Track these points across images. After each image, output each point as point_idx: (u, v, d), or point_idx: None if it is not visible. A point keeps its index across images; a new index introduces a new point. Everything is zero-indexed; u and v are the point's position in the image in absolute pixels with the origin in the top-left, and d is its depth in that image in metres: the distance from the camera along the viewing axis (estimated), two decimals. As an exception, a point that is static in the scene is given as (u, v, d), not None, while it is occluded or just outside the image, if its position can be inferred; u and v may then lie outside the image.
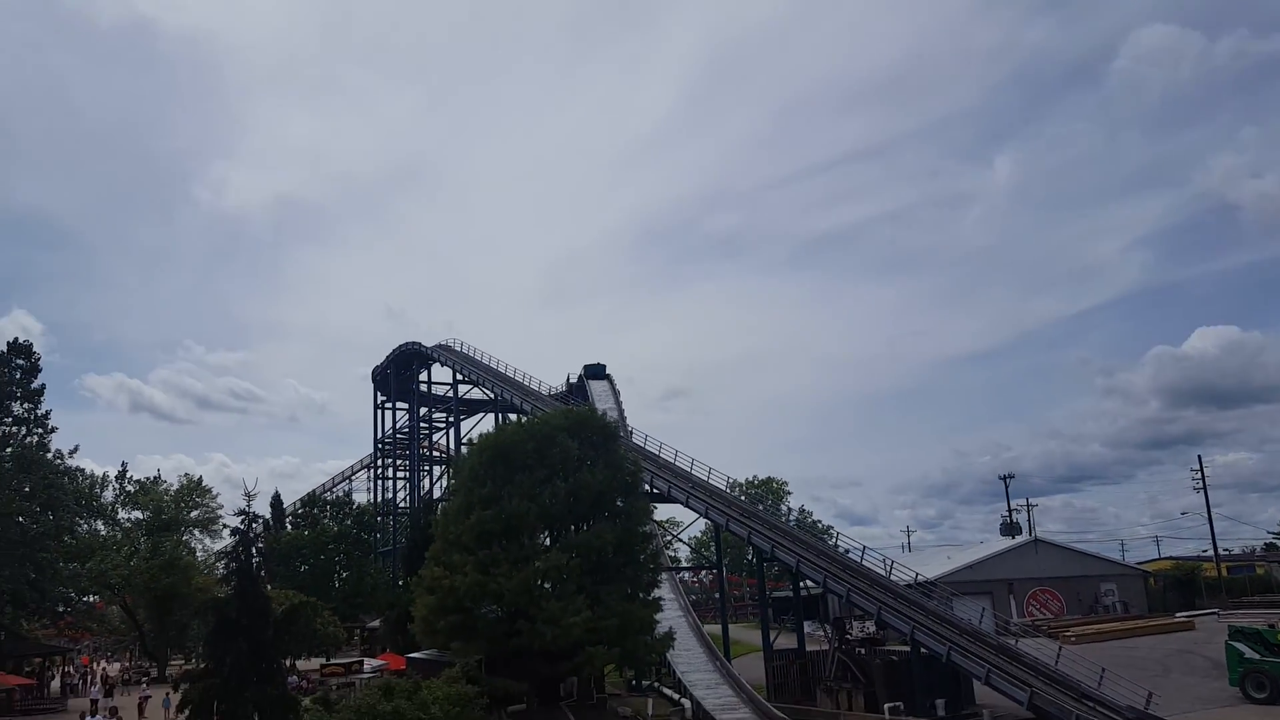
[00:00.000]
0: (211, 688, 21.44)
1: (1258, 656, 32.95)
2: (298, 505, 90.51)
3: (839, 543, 41.50)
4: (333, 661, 35.02)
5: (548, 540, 34.09)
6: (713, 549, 54.54)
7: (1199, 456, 70.93)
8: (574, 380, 69.72)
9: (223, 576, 23.37)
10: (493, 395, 66.15)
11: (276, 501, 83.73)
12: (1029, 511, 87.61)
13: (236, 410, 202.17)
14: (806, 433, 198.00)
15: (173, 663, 61.02)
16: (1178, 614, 52.65)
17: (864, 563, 39.69)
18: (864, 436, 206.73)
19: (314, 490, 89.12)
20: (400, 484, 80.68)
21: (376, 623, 53.88)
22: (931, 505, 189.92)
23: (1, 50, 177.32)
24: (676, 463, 48.48)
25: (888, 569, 39.38)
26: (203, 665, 22.77)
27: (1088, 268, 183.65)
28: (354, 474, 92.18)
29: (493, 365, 67.42)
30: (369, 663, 35.70)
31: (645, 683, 42.92)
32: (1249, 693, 32.19)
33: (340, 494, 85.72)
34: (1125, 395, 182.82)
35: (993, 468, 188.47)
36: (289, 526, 79.16)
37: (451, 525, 34.59)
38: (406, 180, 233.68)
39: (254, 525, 23.96)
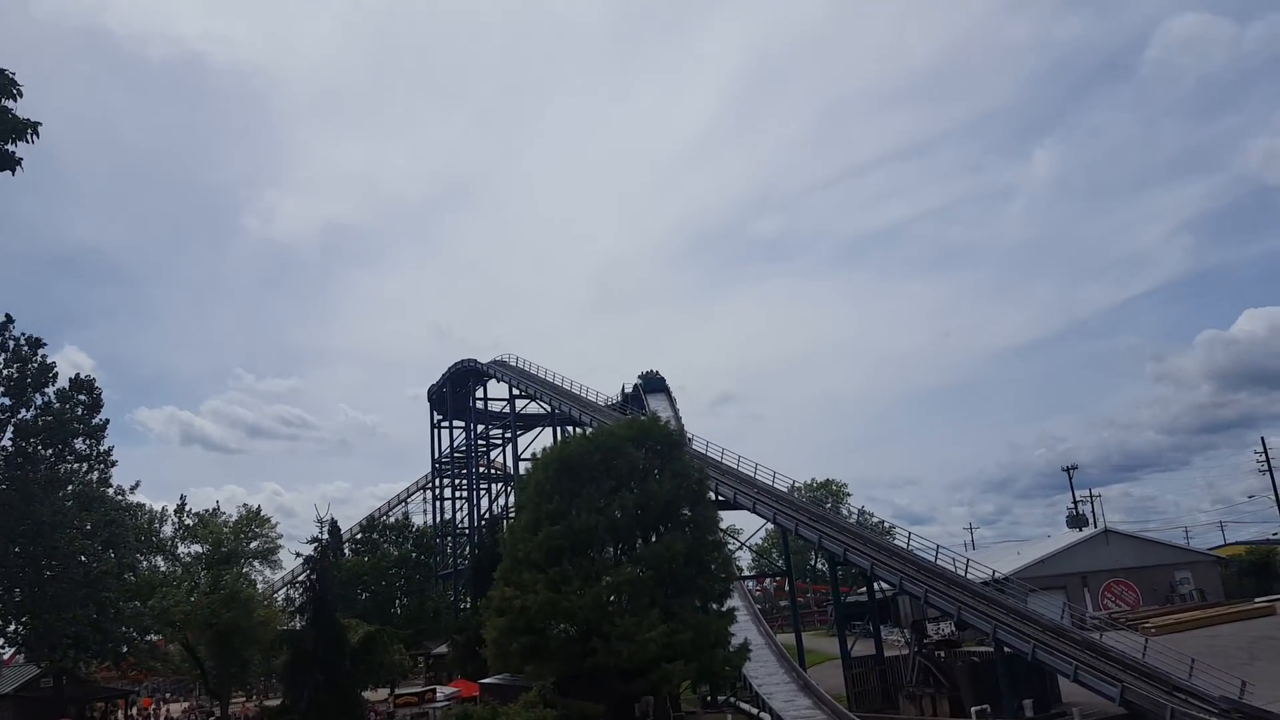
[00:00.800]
0: (294, 722, 21.44)
1: (1362, 642, 31.52)
2: (355, 530, 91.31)
3: (910, 543, 40.43)
4: (405, 691, 34.94)
5: (616, 553, 33.64)
6: (774, 555, 53.94)
7: (1262, 439, 68.63)
8: (629, 390, 69.57)
9: (295, 608, 23.30)
10: (549, 409, 66.14)
11: (334, 528, 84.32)
12: (1092, 502, 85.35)
13: (287, 438, 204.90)
14: (859, 433, 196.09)
15: (234, 700, 61.30)
16: (1256, 599, 50.81)
17: (937, 562, 38.76)
18: (917, 434, 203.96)
19: (372, 514, 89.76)
20: (459, 503, 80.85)
21: (443, 648, 53.70)
22: (989, 501, 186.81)
23: (57, 89, 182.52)
24: (740, 469, 47.94)
25: (964, 568, 38.42)
26: (279, 700, 22.67)
27: (1132, 255, 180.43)
28: (410, 496, 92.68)
29: (548, 379, 67.47)
30: (441, 691, 35.51)
31: (721, 698, 42.31)
32: (1355, 680, 30.76)
33: (398, 517, 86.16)
34: (1176, 381, 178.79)
35: (1048, 460, 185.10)
36: (348, 553, 79.79)
37: (519, 543, 34.38)
38: (453, 199, 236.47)
39: (328, 554, 23.96)
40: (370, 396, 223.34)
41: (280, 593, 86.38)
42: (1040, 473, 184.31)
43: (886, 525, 42.75)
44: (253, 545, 63.91)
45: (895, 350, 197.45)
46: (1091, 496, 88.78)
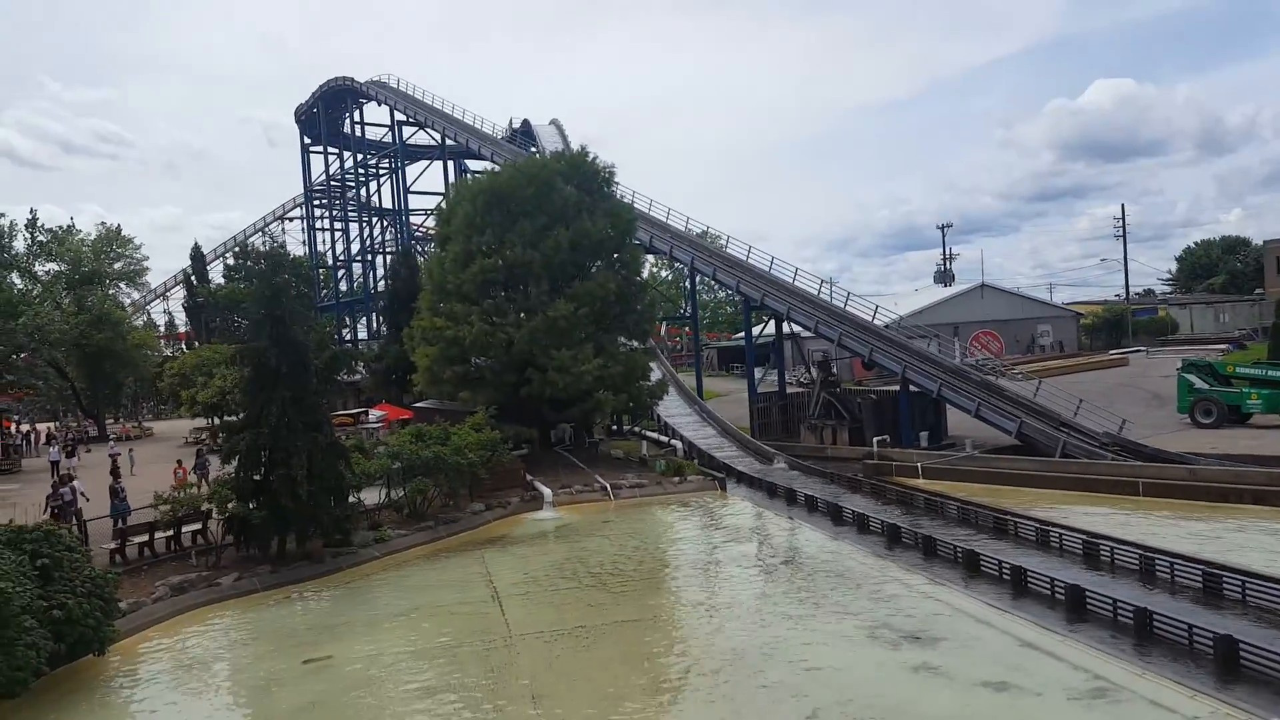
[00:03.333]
0: (260, 437, 20.78)
1: (1207, 386, 35.91)
2: (223, 255, 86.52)
3: (820, 290, 41.91)
4: (340, 414, 34.72)
5: (550, 289, 33.24)
6: (682, 303, 55.10)
7: (1122, 206, 74.77)
8: (516, 125, 66.13)
9: (253, 323, 21.94)
10: (439, 139, 62.16)
11: (197, 254, 79.66)
12: (948, 261, 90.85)
13: (106, 156, 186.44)
14: (716, 183, 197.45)
15: (110, 425, 59.54)
16: (1110, 352, 56.72)
17: (847, 308, 40.53)
18: (772, 188, 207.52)
19: (244, 242, 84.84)
20: (336, 236, 77.07)
21: (358, 376, 53.16)
22: (832, 259, 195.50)
23: None
24: (652, 212, 47.35)
25: (872, 314, 40.40)
26: (241, 416, 21.81)
27: (1001, 14, 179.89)
28: (267, 226, 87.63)
29: (438, 105, 62.72)
30: (371, 413, 35.59)
31: (626, 428, 44.37)
32: (1197, 419, 35.33)
33: (271, 245, 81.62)
34: (1020, 148, 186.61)
35: (889, 220, 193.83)
36: (220, 281, 75.89)
37: (449, 275, 33.32)
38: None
39: (281, 269, 22.39)
40: (197, 116, 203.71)
41: (145, 316, 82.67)
42: (881, 233, 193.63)
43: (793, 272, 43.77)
44: (116, 266, 59.49)
45: (758, 100, 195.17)
46: (949, 256, 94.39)
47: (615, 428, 44.38)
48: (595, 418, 39.33)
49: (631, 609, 17.46)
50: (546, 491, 28.89)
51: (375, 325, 66.65)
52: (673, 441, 38.54)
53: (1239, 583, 15.44)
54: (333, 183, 74.70)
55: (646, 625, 16.53)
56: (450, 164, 62.56)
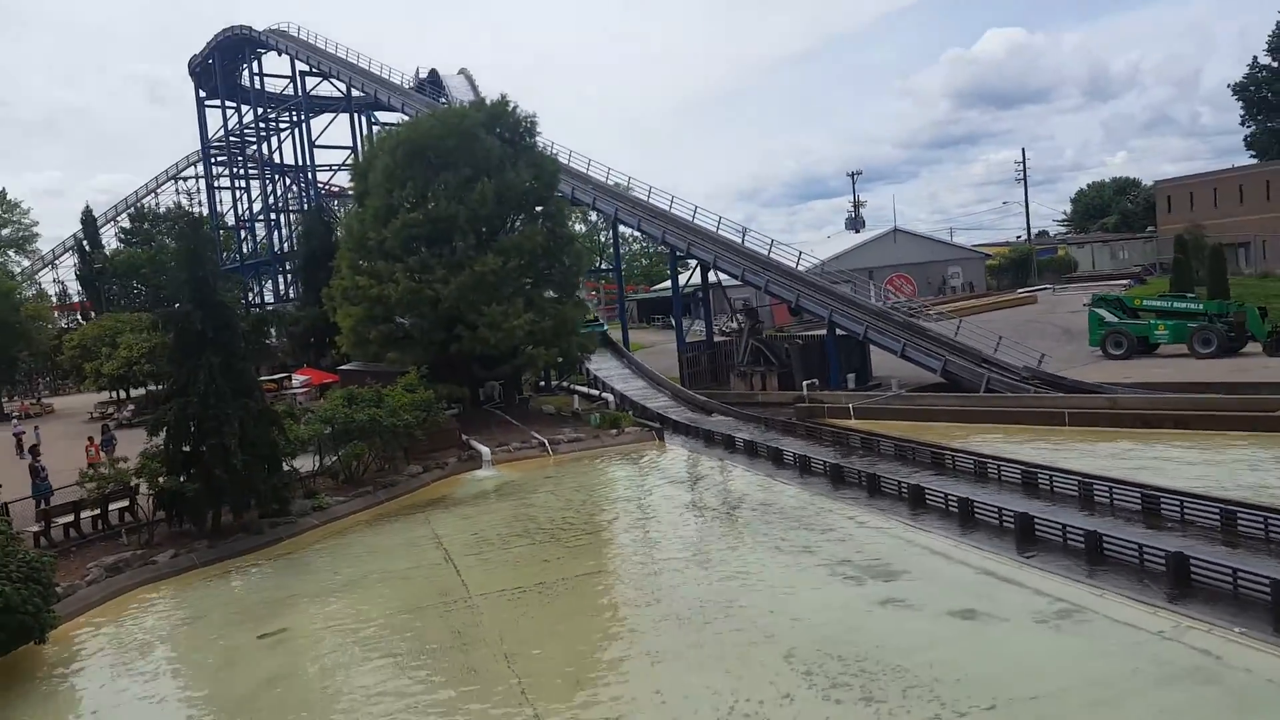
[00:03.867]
0: (188, 407, 19.65)
1: (1117, 320, 37.56)
2: (114, 219, 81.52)
3: (747, 241, 41.89)
4: (264, 379, 33.15)
5: (478, 243, 32.34)
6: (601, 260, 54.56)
7: (1023, 150, 76.74)
8: (424, 75, 63.75)
9: (174, 286, 20.71)
10: (345, 90, 59.45)
11: (88, 218, 74.80)
12: (857, 209, 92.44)
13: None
14: (626, 137, 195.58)
15: (7, 403, 55.96)
16: (1018, 290, 58.76)
17: (771, 255, 40.73)
18: (681, 142, 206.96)
19: (139, 204, 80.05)
20: (238, 194, 73.36)
21: (270, 341, 50.91)
22: (739, 210, 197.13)
23: None
24: (572, 163, 46.41)
25: (796, 261, 40.72)
26: (168, 385, 20.59)
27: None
28: (161, 187, 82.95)
29: (343, 55, 59.85)
30: (295, 378, 34.13)
31: (555, 384, 43.93)
32: (1108, 351, 36.97)
33: (167, 206, 77.37)
34: (918, 98, 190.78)
35: (794, 171, 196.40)
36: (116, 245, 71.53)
37: (370, 231, 32.02)
38: None
39: (199, 227, 21.09)
40: (74, 72, 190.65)
41: (35, 285, 77.53)
42: (786, 183, 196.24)
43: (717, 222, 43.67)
44: (4, 232, 55.39)
45: (667, 56, 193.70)
46: (858, 203, 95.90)
47: (543, 383, 43.89)
48: (525, 374, 38.84)
49: (590, 562, 17.31)
50: (485, 450, 28.36)
51: (284, 287, 64.04)
52: (604, 395, 38.35)
53: (1177, 503, 16.18)
54: (231, 139, 70.90)
55: (609, 577, 16.41)
56: (359, 117, 60.03)
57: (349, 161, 62.99)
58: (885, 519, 18.08)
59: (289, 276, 57.27)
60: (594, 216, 71.65)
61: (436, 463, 27.42)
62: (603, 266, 67.07)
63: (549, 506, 22.39)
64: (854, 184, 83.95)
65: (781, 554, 16.60)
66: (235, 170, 72.19)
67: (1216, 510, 15.53)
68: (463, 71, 65.38)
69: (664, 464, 26.47)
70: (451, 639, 13.72)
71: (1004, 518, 16.62)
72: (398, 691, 11.86)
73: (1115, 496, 17.36)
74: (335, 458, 25.02)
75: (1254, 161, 76.23)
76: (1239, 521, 15.13)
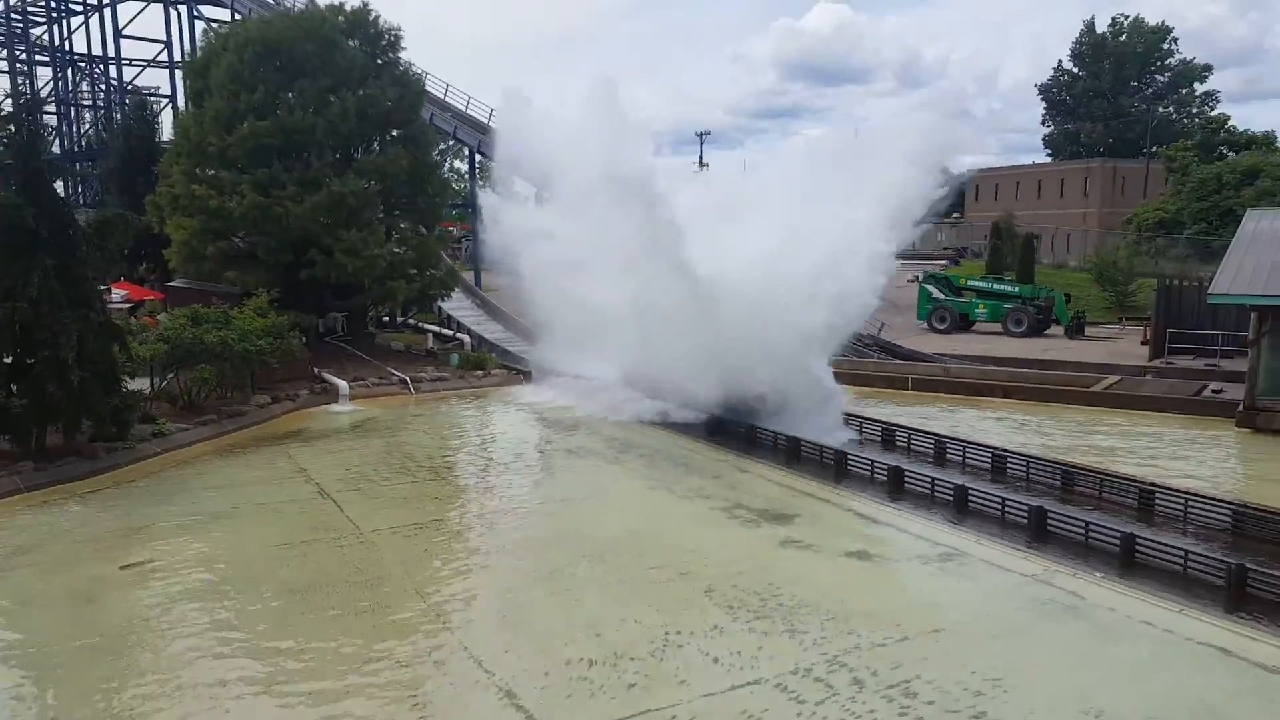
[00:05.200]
0: (17, 312, 17.32)
1: (943, 296, 40.70)
2: None
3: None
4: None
5: (336, 162, 30.32)
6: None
7: (855, 131, 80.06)
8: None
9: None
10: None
11: None
12: (699, 165, 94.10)
13: None
14: (464, 82, 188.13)
15: None
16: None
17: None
18: (517, 83, 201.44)
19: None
20: (17, 82, 64.37)
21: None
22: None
23: None
24: (428, 86, 44.15)
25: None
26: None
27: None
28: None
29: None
30: (114, 291, 30.68)
31: (400, 321, 42.19)
32: (934, 325, 40.06)
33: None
34: (749, 64, 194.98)
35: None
36: None
37: (211, 136, 29.21)
38: None
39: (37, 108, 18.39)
40: None
41: None
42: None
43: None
44: None
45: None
46: (703, 163, 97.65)
47: (386, 319, 42.06)
48: (374, 308, 37.13)
49: (485, 502, 16.97)
50: (342, 384, 26.97)
51: (80, 190, 57.29)
52: (458, 336, 37.35)
53: (1023, 463, 17.92)
54: (13, 17, 61.97)
55: (508, 517, 16.12)
56: (178, 9, 54.18)
57: (165, 57, 57.28)
58: (767, 468, 18.83)
59: (90, 179, 51.20)
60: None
61: (286, 394, 25.79)
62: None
63: (424, 444, 21.70)
64: (700, 144, 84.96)
65: (678, 496, 16.97)
66: (15, 54, 63.23)
67: (1058, 471, 17.31)
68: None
69: (538, 407, 26.16)
70: (352, 572, 13.09)
71: (876, 469, 17.77)
72: (313, 630, 11.18)
73: (967, 456, 18.97)
74: (166, 381, 23.06)
75: (1049, 160, 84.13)
76: (1076, 483, 16.94)
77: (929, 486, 16.66)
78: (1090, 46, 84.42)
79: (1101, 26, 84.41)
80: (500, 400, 27.53)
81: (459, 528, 15.36)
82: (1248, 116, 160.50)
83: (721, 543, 14.48)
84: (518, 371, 30.23)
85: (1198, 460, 19.94)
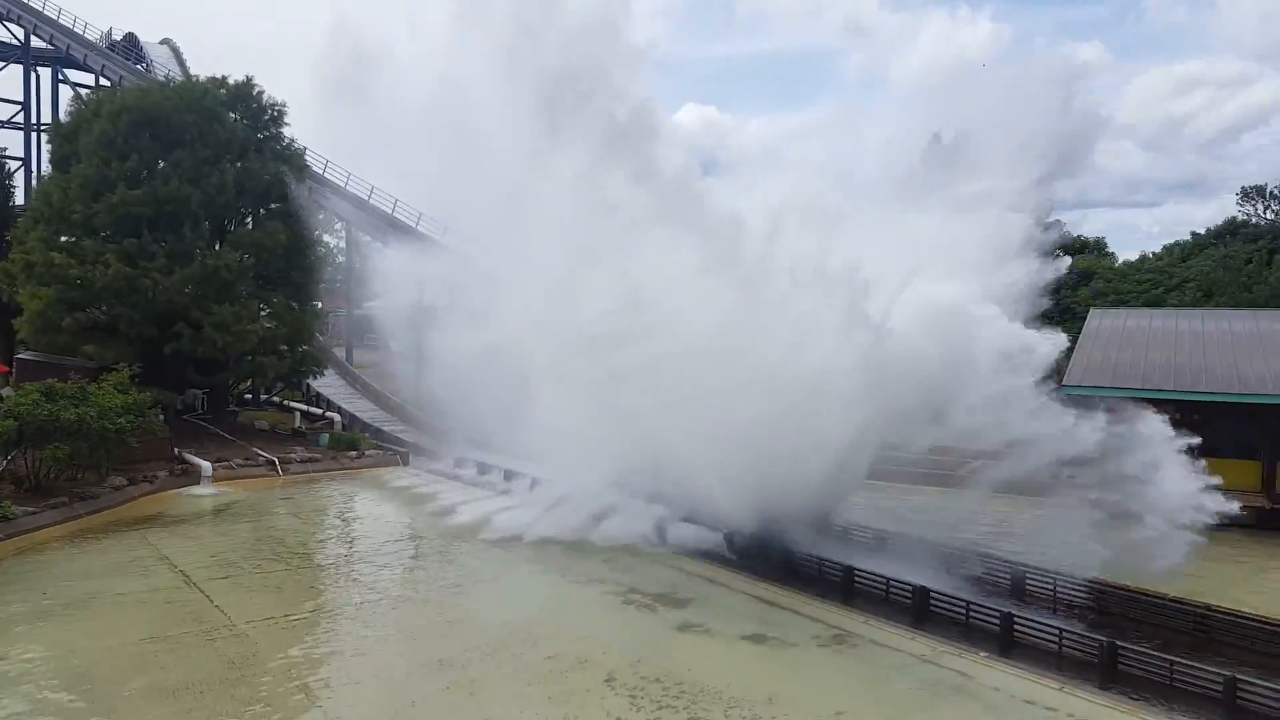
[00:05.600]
0: None
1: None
2: None
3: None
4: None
5: (211, 234, 29.27)
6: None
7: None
8: (118, 38, 56.59)
9: None
10: (22, 37, 50.96)
11: None
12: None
13: None
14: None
15: None
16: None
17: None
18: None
19: None
20: None
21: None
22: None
23: None
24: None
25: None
26: None
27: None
28: None
29: (25, -3, 51.33)
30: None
31: (264, 398, 40.40)
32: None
33: None
34: None
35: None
36: None
37: (76, 204, 27.69)
38: None
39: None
40: None
41: None
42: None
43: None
44: None
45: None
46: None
47: (249, 397, 40.17)
48: (236, 385, 35.50)
49: (366, 591, 16.16)
50: (205, 464, 25.48)
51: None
52: (328, 414, 36.05)
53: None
54: None
55: (392, 605, 15.47)
56: (42, 71, 51.73)
57: (20, 119, 54.33)
58: (657, 550, 18.72)
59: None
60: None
61: (144, 475, 24.19)
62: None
63: (296, 530, 20.69)
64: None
65: (569, 581, 16.70)
66: None
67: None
68: (167, 42, 59.06)
69: (415, 489, 25.36)
70: (228, 669, 12.20)
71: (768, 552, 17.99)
72: (183, 730, 10.32)
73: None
74: (11, 460, 21.25)
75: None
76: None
77: (817, 567, 16.99)
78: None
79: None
80: (375, 484, 26.56)
81: (341, 618, 14.57)
82: (1078, 222, 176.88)
83: (618, 628, 14.34)
84: (394, 452, 29.33)
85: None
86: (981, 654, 13.20)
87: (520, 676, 12.25)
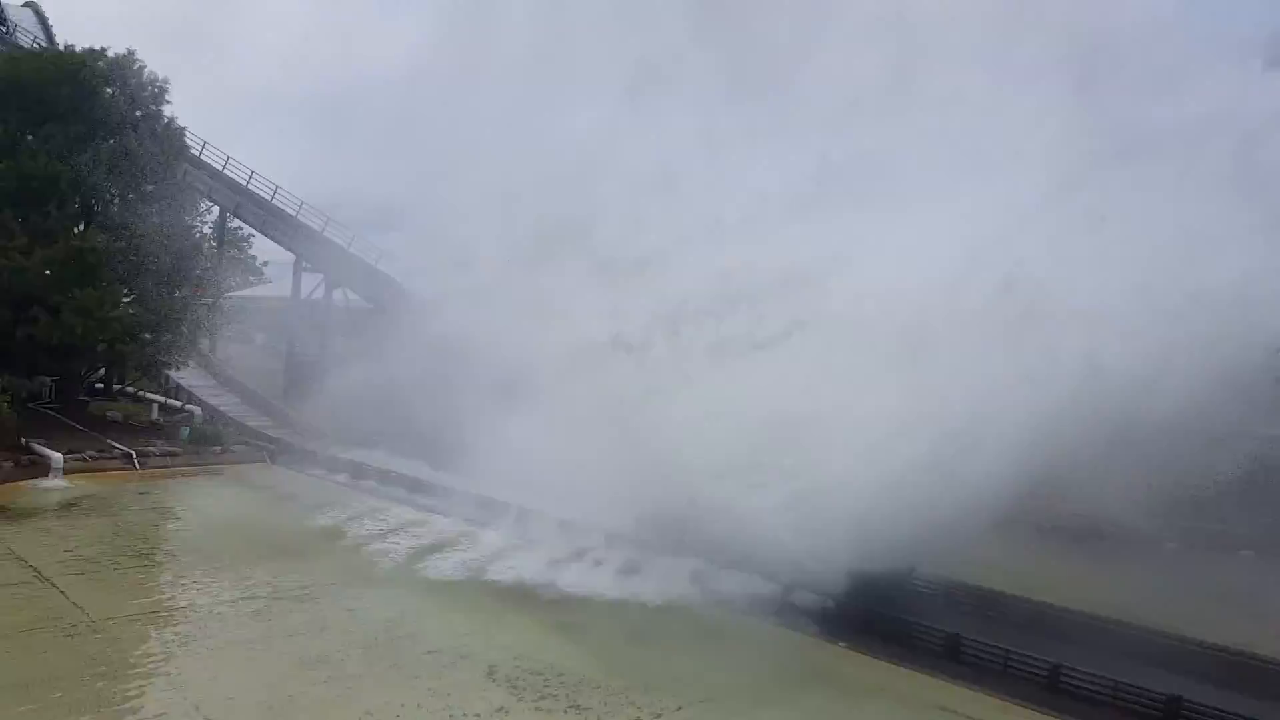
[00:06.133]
0: None
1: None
2: None
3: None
4: None
5: (80, 214, 27.80)
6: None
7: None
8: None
9: None
10: None
11: None
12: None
13: None
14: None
15: None
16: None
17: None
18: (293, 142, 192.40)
19: None
20: None
21: None
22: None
23: None
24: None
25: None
26: None
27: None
28: None
29: None
30: None
31: (117, 388, 38.21)
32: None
33: None
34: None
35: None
36: None
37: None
38: None
39: None
40: None
41: None
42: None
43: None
44: None
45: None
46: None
47: (101, 386, 37.92)
48: (89, 374, 33.67)
49: (236, 589, 15.71)
50: (55, 456, 24.11)
51: None
52: (188, 406, 34.53)
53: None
54: None
55: (261, 604, 15.09)
56: None
57: None
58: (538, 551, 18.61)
59: None
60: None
61: (-13, 466, 22.72)
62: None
63: (157, 525, 19.98)
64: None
65: (450, 578, 16.75)
66: None
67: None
68: (31, 4, 55.04)
69: (282, 485, 24.73)
70: (88, 665, 11.81)
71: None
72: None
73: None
74: None
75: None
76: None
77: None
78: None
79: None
80: (238, 479, 25.67)
81: (211, 613, 14.22)
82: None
83: (495, 625, 14.38)
84: (260, 448, 28.45)
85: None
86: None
87: (401, 669, 12.31)
